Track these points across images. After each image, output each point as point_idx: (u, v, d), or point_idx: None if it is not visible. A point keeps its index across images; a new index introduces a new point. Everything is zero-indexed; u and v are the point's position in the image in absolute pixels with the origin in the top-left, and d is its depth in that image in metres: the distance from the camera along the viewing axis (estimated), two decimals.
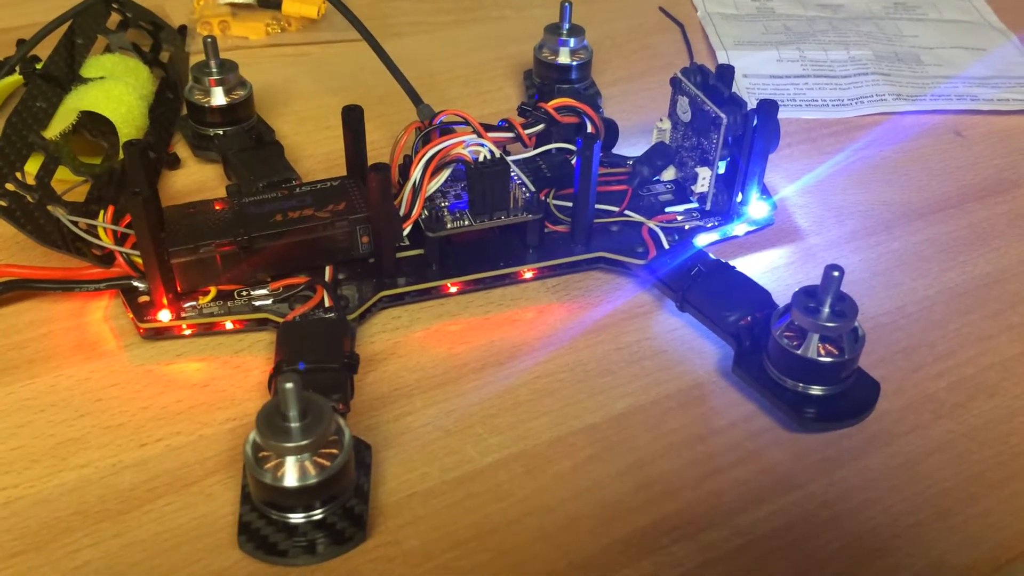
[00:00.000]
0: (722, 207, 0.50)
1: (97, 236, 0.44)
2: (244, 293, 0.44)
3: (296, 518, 0.35)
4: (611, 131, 0.53)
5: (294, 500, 0.35)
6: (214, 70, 0.55)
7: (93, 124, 0.51)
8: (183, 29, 0.66)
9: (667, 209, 0.50)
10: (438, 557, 0.36)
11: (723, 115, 0.47)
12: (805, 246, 0.51)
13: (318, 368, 0.40)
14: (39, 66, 0.53)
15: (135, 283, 0.44)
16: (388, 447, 0.39)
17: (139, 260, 0.42)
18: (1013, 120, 0.62)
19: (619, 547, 0.36)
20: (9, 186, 0.44)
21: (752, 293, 0.45)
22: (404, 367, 0.43)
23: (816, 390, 0.41)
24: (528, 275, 0.47)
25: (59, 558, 0.35)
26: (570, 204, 0.48)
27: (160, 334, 0.44)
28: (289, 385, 0.33)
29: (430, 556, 0.36)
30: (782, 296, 0.43)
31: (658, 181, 0.52)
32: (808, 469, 0.39)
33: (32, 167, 0.46)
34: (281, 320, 0.43)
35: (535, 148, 0.50)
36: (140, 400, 0.41)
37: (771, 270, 0.49)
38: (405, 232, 0.46)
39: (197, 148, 0.56)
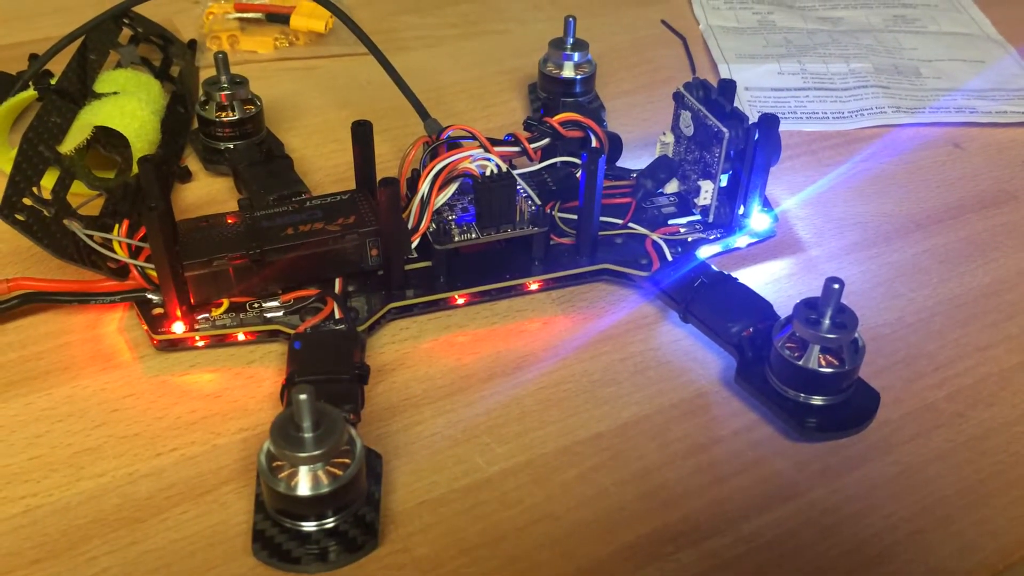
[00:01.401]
0: (724, 219, 0.51)
1: (112, 249, 0.45)
2: (256, 305, 0.45)
3: (309, 526, 0.36)
4: (615, 145, 0.54)
5: (307, 508, 0.36)
6: (225, 85, 0.55)
7: (107, 139, 0.52)
8: (193, 44, 0.67)
9: (670, 221, 0.51)
10: (447, 564, 0.36)
11: (725, 129, 0.48)
12: (806, 258, 0.52)
13: (329, 379, 0.40)
14: (53, 81, 0.54)
15: (149, 295, 0.45)
16: (398, 456, 0.40)
17: (153, 273, 0.43)
18: (1011, 132, 0.63)
19: (625, 554, 0.37)
20: (26, 200, 0.45)
21: (754, 304, 0.46)
22: (413, 377, 0.44)
23: (817, 400, 0.41)
24: (534, 287, 0.48)
25: (78, 565, 0.36)
26: (575, 217, 0.49)
27: (174, 346, 0.44)
28: (303, 396, 0.34)
29: (440, 563, 0.36)
30: (783, 307, 0.44)
31: (661, 194, 0.53)
32: (810, 477, 0.40)
33: (48, 182, 0.47)
34: (292, 332, 0.44)
35: (541, 162, 0.51)
36: (155, 410, 0.42)
37: (773, 282, 0.50)
38: (413, 245, 0.47)
39: (208, 162, 0.57)
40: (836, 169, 0.59)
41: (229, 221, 0.46)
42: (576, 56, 0.60)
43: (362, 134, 0.47)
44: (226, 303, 0.45)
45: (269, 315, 0.45)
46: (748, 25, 0.75)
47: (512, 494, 0.39)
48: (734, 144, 0.48)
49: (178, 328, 0.44)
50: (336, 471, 0.35)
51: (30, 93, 0.55)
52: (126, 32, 0.64)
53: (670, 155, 0.53)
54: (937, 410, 0.43)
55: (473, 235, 0.47)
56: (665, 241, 0.49)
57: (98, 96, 0.54)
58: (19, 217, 0.44)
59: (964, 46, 0.72)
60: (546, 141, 0.51)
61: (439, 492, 0.39)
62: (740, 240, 0.51)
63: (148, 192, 0.44)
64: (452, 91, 0.65)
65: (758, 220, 0.50)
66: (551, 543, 0.37)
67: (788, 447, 0.41)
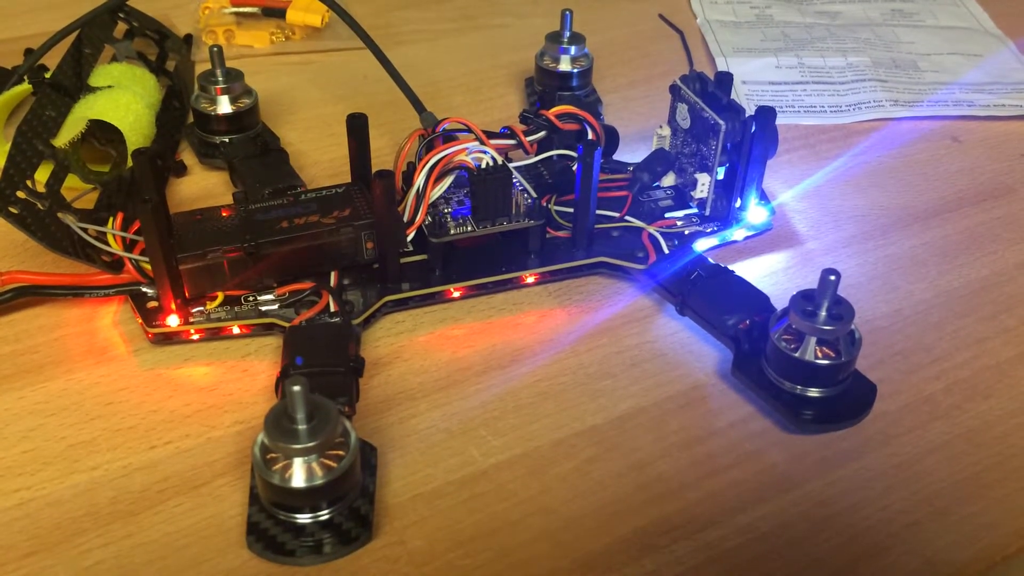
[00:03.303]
0: (721, 212, 0.50)
1: (106, 243, 0.45)
2: (251, 298, 0.45)
3: (303, 518, 0.36)
4: (612, 138, 0.54)
5: (301, 501, 0.36)
6: (220, 79, 0.55)
7: (101, 132, 0.52)
8: (188, 38, 0.67)
9: (667, 215, 0.51)
10: (442, 557, 0.36)
11: (722, 122, 0.48)
12: (803, 251, 0.52)
13: (324, 372, 0.40)
14: (48, 75, 0.54)
15: (144, 289, 0.45)
16: (393, 449, 0.40)
17: (148, 266, 0.43)
18: (1009, 126, 0.63)
19: (620, 546, 0.37)
20: (20, 194, 0.44)
21: (751, 297, 0.46)
22: (408, 370, 0.44)
23: (814, 392, 0.41)
24: (530, 280, 0.48)
25: (71, 558, 0.36)
26: (571, 210, 0.49)
27: (168, 339, 0.44)
28: (297, 388, 0.34)
29: (435, 556, 0.36)
30: (780, 300, 0.44)
31: (658, 187, 0.53)
32: (806, 469, 0.40)
33: (42, 175, 0.47)
34: (287, 325, 0.44)
35: (537, 155, 0.51)
36: (149, 403, 0.42)
37: (769, 274, 0.50)
38: (409, 238, 0.47)
39: (203, 156, 0.56)
40: (833, 162, 0.59)
41: (224, 214, 0.46)
42: (573, 50, 0.60)
43: (358, 127, 0.47)
44: (221, 296, 0.45)
45: (264, 308, 0.45)
46: (746, 19, 0.75)
47: (507, 487, 0.39)
48: (731, 137, 0.48)
49: (173, 321, 0.44)
50: (330, 463, 0.35)
51: (25, 87, 0.55)
52: (121, 26, 0.64)
53: (667, 148, 0.53)
54: (934, 402, 0.43)
55: (469, 228, 0.47)
56: (662, 234, 0.49)
57: (93, 90, 0.54)
58: (13, 210, 0.43)
59: (962, 40, 0.72)
60: (542, 134, 0.51)
61: (434, 485, 0.39)
62: (737, 233, 0.50)
63: (142, 185, 0.44)
64: (448, 85, 0.65)
65: (755, 213, 0.50)
66: (546, 535, 0.37)
67: (784, 439, 0.41)
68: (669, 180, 0.53)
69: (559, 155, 0.51)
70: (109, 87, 0.54)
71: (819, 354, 0.40)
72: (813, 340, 0.40)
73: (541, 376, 0.44)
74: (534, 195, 0.48)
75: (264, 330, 0.45)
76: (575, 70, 0.60)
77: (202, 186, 0.55)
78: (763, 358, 0.42)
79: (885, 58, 0.69)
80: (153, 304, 0.44)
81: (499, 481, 0.39)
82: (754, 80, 0.67)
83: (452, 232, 0.46)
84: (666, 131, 0.52)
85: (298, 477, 0.35)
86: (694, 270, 0.47)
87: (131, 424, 0.41)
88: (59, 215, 0.45)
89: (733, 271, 0.47)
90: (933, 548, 0.37)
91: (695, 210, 0.51)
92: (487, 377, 0.44)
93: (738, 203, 0.50)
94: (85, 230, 0.45)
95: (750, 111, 0.48)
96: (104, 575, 0.35)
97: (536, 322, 0.47)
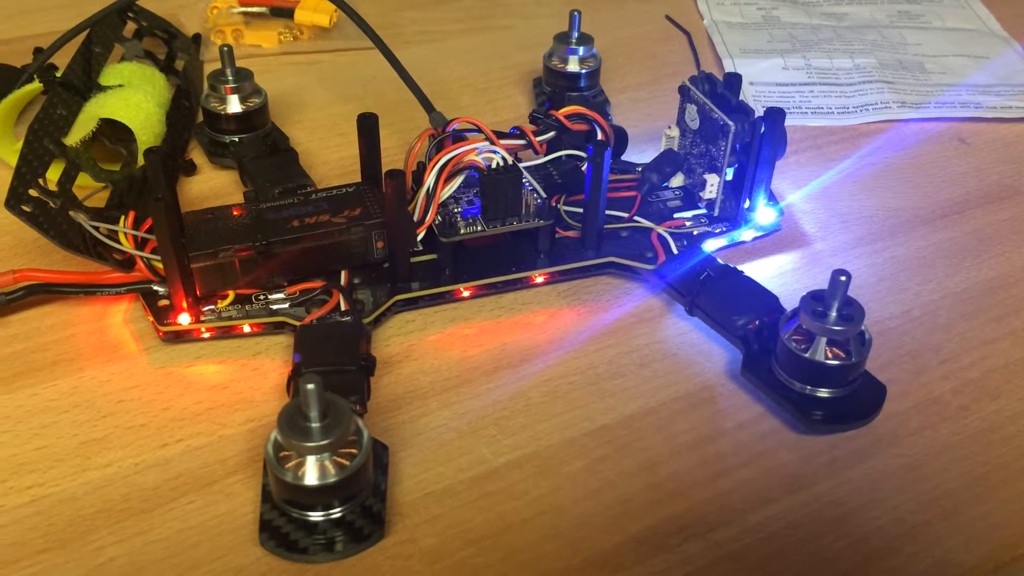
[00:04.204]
0: (730, 213, 0.51)
1: (118, 241, 0.45)
2: (262, 297, 0.45)
3: (316, 516, 0.36)
4: (620, 138, 0.54)
5: (314, 498, 0.36)
6: (230, 78, 0.55)
7: (112, 131, 0.52)
8: (197, 38, 0.67)
9: (676, 215, 0.51)
10: (454, 555, 0.36)
11: (731, 123, 0.48)
12: (812, 251, 0.52)
13: (336, 370, 0.40)
14: (59, 74, 0.54)
15: (155, 287, 0.45)
16: (404, 447, 0.40)
17: (159, 264, 0.43)
18: (1016, 127, 0.63)
19: (631, 545, 0.37)
20: (32, 192, 0.45)
21: (760, 297, 0.46)
22: (419, 369, 0.44)
23: (823, 393, 0.41)
24: (539, 280, 0.48)
25: (84, 555, 0.36)
26: (580, 210, 0.49)
27: (180, 337, 0.44)
28: (311, 386, 0.34)
29: (446, 554, 0.36)
30: (789, 300, 0.44)
31: (667, 188, 0.53)
32: (815, 470, 0.40)
33: (54, 174, 0.47)
34: (298, 324, 0.44)
35: (546, 155, 0.51)
36: (161, 401, 0.42)
37: (778, 275, 0.50)
38: (419, 237, 0.47)
39: (213, 155, 0.57)
40: (841, 163, 0.59)
41: (235, 213, 0.46)
42: (581, 50, 0.60)
43: (368, 126, 0.47)
44: (232, 295, 0.45)
45: (275, 307, 0.45)
46: (752, 20, 0.75)
47: (518, 485, 0.39)
48: (740, 138, 0.48)
49: (184, 320, 0.44)
50: (343, 461, 0.36)
51: (35, 86, 0.55)
52: (130, 26, 0.64)
53: (675, 149, 0.53)
54: (943, 403, 0.43)
55: (479, 228, 0.47)
56: (671, 234, 0.49)
57: (103, 89, 0.54)
58: (25, 208, 0.44)
59: (968, 42, 0.72)
60: (551, 134, 0.51)
61: (445, 483, 0.39)
62: (746, 234, 0.50)
63: (154, 184, 0.44)
64: (456, 86, 0.65)
65: (764, 214, 0.50)
66: (557, 534, 0.37)
67: (794, 440, 0.41)
68: (678, 181, 0.53)
69: (568, 155, 0.51)
70: (120, 86, 0.54)
71: (829, 355, 0.40)
72: (823, 340, 0.40)
73: (551, 376, 0.44)
74: (543, 195, 0.48)
75: (275, 329, 0.45)
76: (583, 71, 0.60)
77: (211, 185, 0.55)
78: (773, 358, 0.43)
79: (892, 60, 0.69)
80: (164, 302, 0.45)
81: (509, 480, 0.39)
82: (761, 81, 0.67)
83: (462, 232, 0.47)
84: (675, 132, 0.52)
85: (311, 475, 0.35)
86: (703, 270, 0.47)
87: (142, 422, 0.41)
88: (71, 213, 0.45)
89: (742, 272, 0.47)
90: (942, 548, 0.37)
91: (704, 211, 0.51)
92: (497, 376, 0.44)
93: (747, 204, 0.50)
94: (97, 228, 0.45)
95: (758, 112, 0.48)
96: (117, 572, 0.36)
97: (545, 322, 0.47)
